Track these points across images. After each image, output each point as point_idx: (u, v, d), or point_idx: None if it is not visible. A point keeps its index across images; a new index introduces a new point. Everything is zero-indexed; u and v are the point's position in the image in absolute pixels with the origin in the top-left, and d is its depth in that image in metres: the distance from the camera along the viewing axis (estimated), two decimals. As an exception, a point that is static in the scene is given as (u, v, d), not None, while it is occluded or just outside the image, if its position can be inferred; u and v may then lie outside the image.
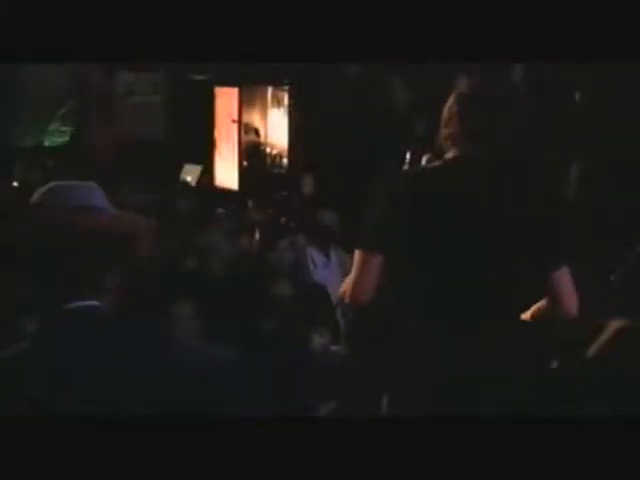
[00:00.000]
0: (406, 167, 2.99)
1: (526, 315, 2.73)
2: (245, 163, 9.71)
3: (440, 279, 2.62)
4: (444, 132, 2.72)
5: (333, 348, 5.08)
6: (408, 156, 3.06)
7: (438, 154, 2.76)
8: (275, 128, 9.58)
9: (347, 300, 2.74)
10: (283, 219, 7.79)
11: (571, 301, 2.65)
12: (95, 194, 2.18)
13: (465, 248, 2.59)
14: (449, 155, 2.70)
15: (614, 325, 2.53)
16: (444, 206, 2.61)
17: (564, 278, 2.64)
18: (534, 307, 2.73)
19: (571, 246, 2.68)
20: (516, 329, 2.60)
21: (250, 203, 8.42)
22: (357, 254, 2.71)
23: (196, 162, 9.66)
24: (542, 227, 2.63)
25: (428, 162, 2.89)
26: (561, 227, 2.66)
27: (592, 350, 2.54)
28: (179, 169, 9.55)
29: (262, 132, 9.73)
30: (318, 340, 5.13)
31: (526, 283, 2.63)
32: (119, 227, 2.07)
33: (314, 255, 6.80)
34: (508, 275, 2.61)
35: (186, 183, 9.34)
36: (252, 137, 9.73)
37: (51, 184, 2.24)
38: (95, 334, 1.98)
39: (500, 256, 2.60)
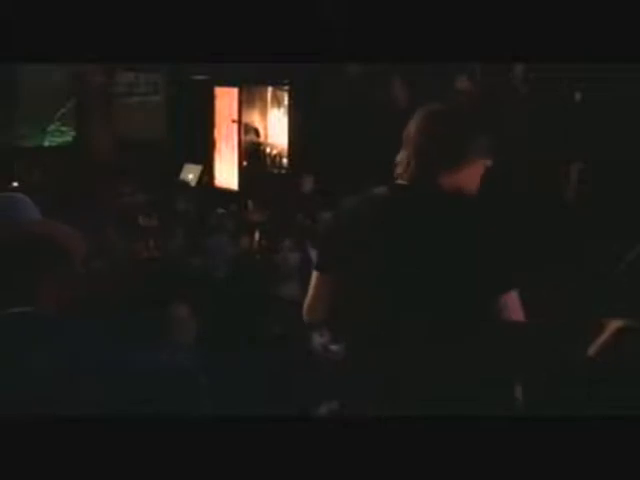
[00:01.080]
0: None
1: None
2: (245, 163, 9.72)
3: (384, 302, 2.61)
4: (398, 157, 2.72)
5: (333, 348, 5.09)
6: None
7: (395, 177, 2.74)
8: (275, 128, 9.59)
9: (304, 318, 2.82)
10: (283, 219, 7.79)
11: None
12: (29, 206, 2.23)
13: (408, 274, 2.57)
14: (396, 181, 2.69)
15: (614, 325, 2.53)
16: (388, 231, 2.60)
17: (511, 301, 2.61)
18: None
19: (518, 267, 2.65)
20: (464, 355, 2.57)
21: (250, 203, 8.42)
22: (312, 274, 2.80)
23: (196, 162, 9.66)
24: (487, 253, 2.58)
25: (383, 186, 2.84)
26: (506, 251, 2.62)
27: (592, 350, 2.54)
28: (179, 169, 9.56)
29: (262, 132, 9.74)
30: (318, 340, 5.13)
31: (474, 306, 2.60)
32: (55, 234, 2.11)
33: (313, 256, 6.80)
34: (454, 299, 2.57)
35: (186, 183, 9.34)
36: (252, 137, 9.74)
37: None
38: (28, 340, 1.99)
39: (445, 281, 2.56)
